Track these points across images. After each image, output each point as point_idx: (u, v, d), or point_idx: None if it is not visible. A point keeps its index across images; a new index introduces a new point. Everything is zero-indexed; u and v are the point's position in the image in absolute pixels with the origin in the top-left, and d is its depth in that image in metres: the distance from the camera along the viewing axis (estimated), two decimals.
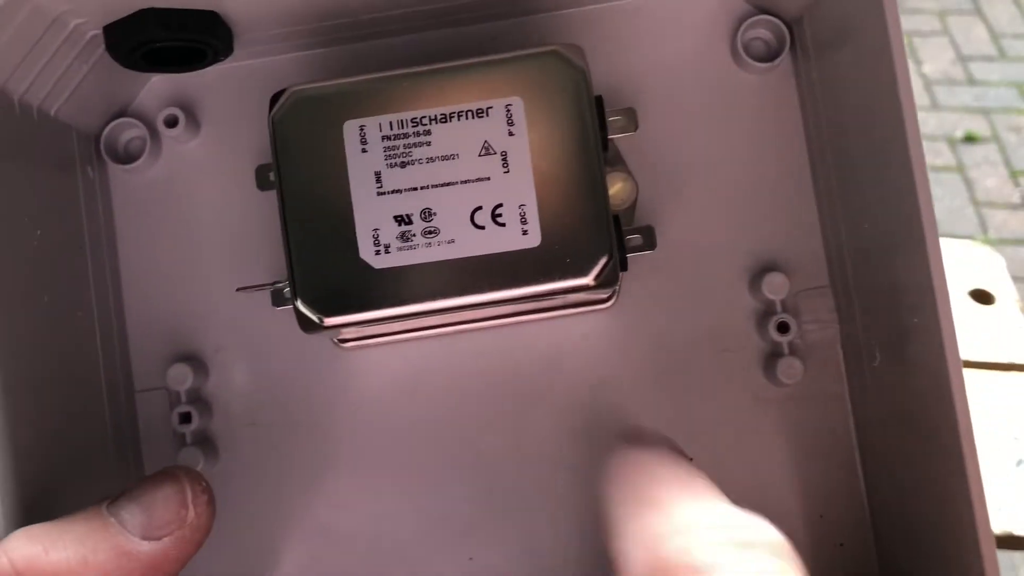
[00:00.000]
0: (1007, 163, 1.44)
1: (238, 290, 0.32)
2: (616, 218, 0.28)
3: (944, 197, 1.37)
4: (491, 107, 0.28)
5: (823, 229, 0.32)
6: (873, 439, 0.31)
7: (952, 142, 1.45)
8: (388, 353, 0.32)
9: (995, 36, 1.57)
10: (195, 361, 0.33)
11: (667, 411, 0.32)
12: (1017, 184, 1.41)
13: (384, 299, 0.27)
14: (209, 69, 0.32)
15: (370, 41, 0.33)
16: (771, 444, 0.32)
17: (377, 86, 0.28)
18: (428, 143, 0.28)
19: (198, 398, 0.33)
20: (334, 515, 0.32)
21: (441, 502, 0.32)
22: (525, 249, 0.27)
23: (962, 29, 1.59)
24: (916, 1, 1.62)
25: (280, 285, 0.30)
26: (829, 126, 0.30)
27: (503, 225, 0.27)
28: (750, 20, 0.32)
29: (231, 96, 0.33)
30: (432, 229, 0.27)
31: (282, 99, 0.28)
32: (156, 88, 0.33)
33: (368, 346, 0.32)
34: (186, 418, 0.32)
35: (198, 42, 0.29)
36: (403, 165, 0.28)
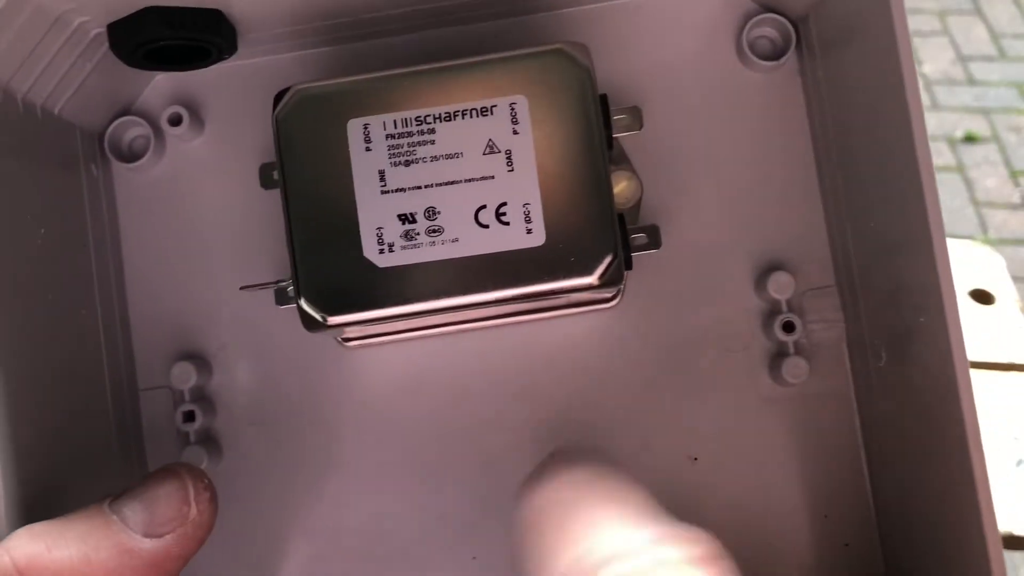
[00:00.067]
0: (1007, 163, 1.43)
1: (242, 289, 0.32)
2: (621, 217, 0.28)
3: (944, 197, 1.36)
4: (495, 105, 0.28)
5: (829, 228, 0.32)
6: (878, 439, 0.31)
7: (952, 142, 1.45)
8: (392, 352, 0.32)
9: (995, 36, 1.57)
10: (199, 360, 0.33)
11: (671, 410, 0.32)
12: (1017, 184, 1.41)
13: (388, 298, 0.27)
14: (213, 68, 0.31)
15: (374, 40, 0.33)
16: (776, 444, 0.32)
17: (381, 85, 0.28)
18: (432, 142, 0.28)
19: (202, 397, 0.33)
20: (337, 514, 0.32)
21: (444, 501, 0.32)
22: (529, 248, 0.27)
23: (962, 29, 1.58)
24: (916, 1, 1.61)
25: (284, 284, 0.30)
26: (835, 125, 0.30)
27: (507, 224, 0.27)
28: (756, 18, 0.32)
29: (235, 95, 0.33)
30: (436, 228, 0.27)
31: (286, 97, 0.28)
32: (160, 86, 0.33)
33: (372, 345, 0.32)
34: (190, 417, 0.32)
35: (202, 40, 0.29)
36: (407, 164, 0.28)
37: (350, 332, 0.30)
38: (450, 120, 0.28)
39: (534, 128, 0.27)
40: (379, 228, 0.27)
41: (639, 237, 0.30)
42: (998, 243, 1.33)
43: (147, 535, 0.24)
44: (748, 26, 0.32)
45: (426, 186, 0.27)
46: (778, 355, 0.32)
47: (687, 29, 0.32)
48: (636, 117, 0.30)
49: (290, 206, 0.27)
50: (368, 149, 0.28)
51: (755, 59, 0.32)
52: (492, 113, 0.28)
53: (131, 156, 0.33)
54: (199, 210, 0.33)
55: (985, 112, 1.48)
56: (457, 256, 0.27)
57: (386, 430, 0.32)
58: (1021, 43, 1.56)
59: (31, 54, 0.27)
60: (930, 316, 0.25)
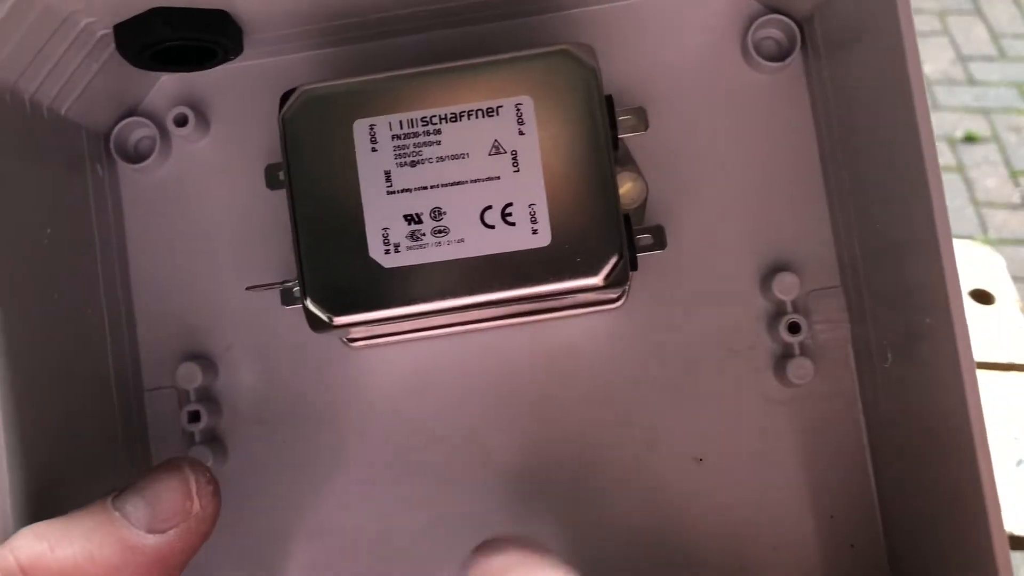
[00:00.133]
0: (1007, 163, 1.43)
1: (247, 289, 0.32)
2: (626, 217, 0.28)
3: None
4: (501, 106, 0.28)
5: (834, 229, 0.32)
6: (884, 440, 0.31)
7: (952, 142, 1.45)
8: (397, 352, 0.32)
9: (995, 36, 1.57)
10: (204, 360, 0.33)
11: (676, 411, 0.32)
12: (1017, 184, 1.41)
13: (393, 298, 0.27)
14: (219, 68, 0.31)
15: (380, 41, 0.33)
16: (781, 445, 0.32)
17: (387, 85, 0.28)
18: (438, 142, 0.28)
19: (207, 397, 0.33)
20: (343, 513, 0.32)
21: (450, 501, 0.32)
22: (535, 248, 0.27)
23: (962, 29, 1.58)
24: (916, 1, 1.61)
25: (289, 284, 0.30)
26: (840, 126, 0.30)
27: (513, 224, 0.27)
28: (761, 19, 0.32)
29: (241, 95, 0.33)
30: (442, 228, 0.27)
31: (292, 98, 0.28)
32: (166, 87, 0.33)
33: (377, 345, 0.32)
34: (195, 417, 0.32)
35: (208, 41, 0.29)
36: (413, 164, 0.28)
37: (356, 332, 0.30)
38: (456, 121, 0.28)
39: (540, 129, 0.27)
40: (385, 228, 0.27)
41: (644, 238, 0.30)
42: (998, 243, 1.33)
43: (150, 531, 0.24)
44: (753, 27, 0.32)
45: (432, 187, 0.27)
46: (783, 356, 0.32)
47: (692, 30, 0.32)
48: (641, 118, 0.30)
49: (296, 207, 0.27)
50: (374, 150, 0.28)
51: (760, 60, 0.32)
52: (498, 114, 0.28)
53: (137, 157, 0.33)
54: (205, 211, 0.33)
55: (985, 112, 1.48)
56: (463, 256, 0.27)
57: (391, 430, 0.32)
58: (1021, 43, 1.56)
59: (38, 55, 0.27)
60: (936, 317, 0.25)
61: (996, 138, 1.45)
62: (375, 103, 0.28)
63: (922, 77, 0.25)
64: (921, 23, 1.59)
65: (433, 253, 0.27)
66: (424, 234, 0.27)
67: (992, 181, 1.41)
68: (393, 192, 0.27)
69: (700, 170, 0.32)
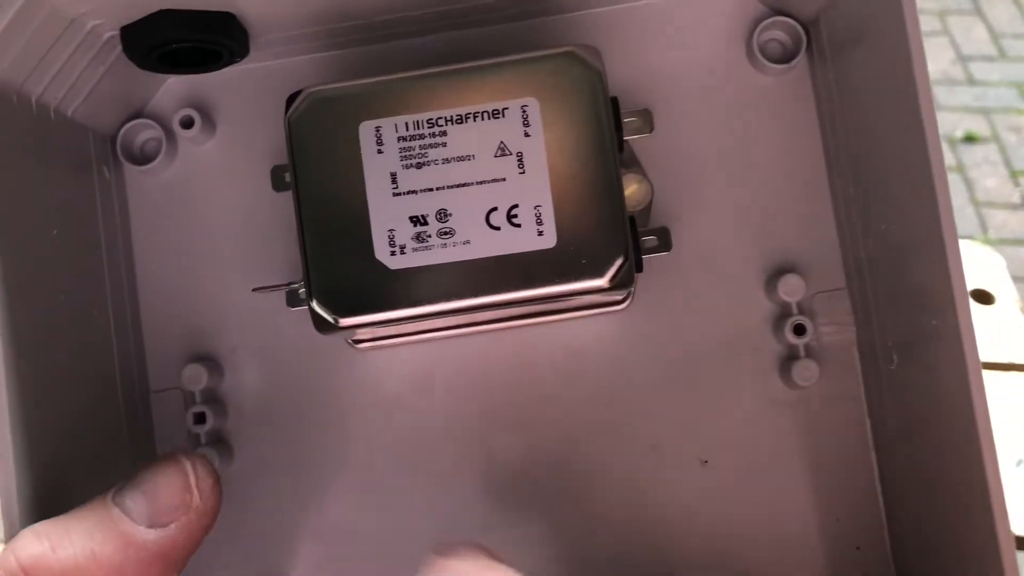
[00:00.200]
0: (1007, 163, 1.43)
1: (254, 291, 0.32)
2: (631, 219, 0.28)
3: None
4: (507, 108, 0.28)
5: (839, 231, 0.32)
6: (890, 442, 0.31)
7: (952, 142, 1.44)
8: (402, 354, 0.32)
9: (995, 36, 1.57)
10: (210, 361, 0.33)
11: (682, 413, 0.32)
12: (1017, 184, 1.41)
13: (399, 300, 0.27)
14: (225, 70, 0.32)
15: (386, 43, 0.33)
16: (787, 447, 0.32)
17: (393, 87, 0.28)
18: (444, 144, 0.28)
19: (213, 398, 0.33)
20: (348, 514, 0.32)
21: (455, 502, 0.32)
22: (540, 250, 0.27)
23: (962, 29, 1.58)
24: (916, 1, 1.60)
25: (295, 286, 0.30)
26: (845, 127, 0.30)
27: (519, 226, 0.27)
28: (766, 21, 0.32)
29: (247, 97, 0.33)
30: (448, 230, 0.27)
31: (298, 100, 0.28)
32: (172, 89, 0.33)
33: (383, 347, 0.32)
34: (201, 418, 0.32)
35: (214, 43, 0.29)
36: (419, 166, 0.28)
37: (361, 334, 0.30)
38: (461, 122, 0.28)
39: (545, 130, 0.27)
40: (391, 230, 0.27)
41: (650, 240, 0.30)
42: (998, 243, 1.33)
43: (151, 525, 0.24)
44: (758, 29, 0.32)
45: (437, 188, 0.27)
46: (789, 358, 0.32)
47: (698, 32, 0.32)
48: (647, 120, 0.30)
49: (302, 208, 0.28)
50: (380, 151, 0.28)
51: (765, 62, 0.32)
52: (503, 115, 0.28)
53: (143, 159, 0.33)
54: (211, 212, 0.33)
55: (985, 112, 1.48)
56: (468, 258, 0.27)
57: (397, 431, 0.32)
58: (1021, 43, 1.56)
59: (45, 57, 0.27)
60: (942, 319, 0.25)
61: (996, 138, 1.45)
62: (381, 105, 0.28)
63: (928, 79, 0.25)
64: (921, 23, 1.59)
65: (439, 255, 0.27)
66: (430, 235, 0.27)
67: (992, 181, 1.41)
68: (399, 194, 0.27)
69: (705, 172, 0.32)
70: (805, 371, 0.31)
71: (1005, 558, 0.24)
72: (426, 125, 0.28)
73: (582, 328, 0.32)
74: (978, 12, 1.60)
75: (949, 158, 1.43)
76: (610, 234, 0.27)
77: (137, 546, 0.24)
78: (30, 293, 0.27)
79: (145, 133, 0.33)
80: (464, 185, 0.27)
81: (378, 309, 0.27)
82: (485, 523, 0.32)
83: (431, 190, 0.27)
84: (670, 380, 0.32)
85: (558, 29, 0.32)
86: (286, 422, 0.33)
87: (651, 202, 0.32)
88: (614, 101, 0.28)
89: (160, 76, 0.32)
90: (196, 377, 0.32)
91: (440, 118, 0.28)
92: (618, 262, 0.27)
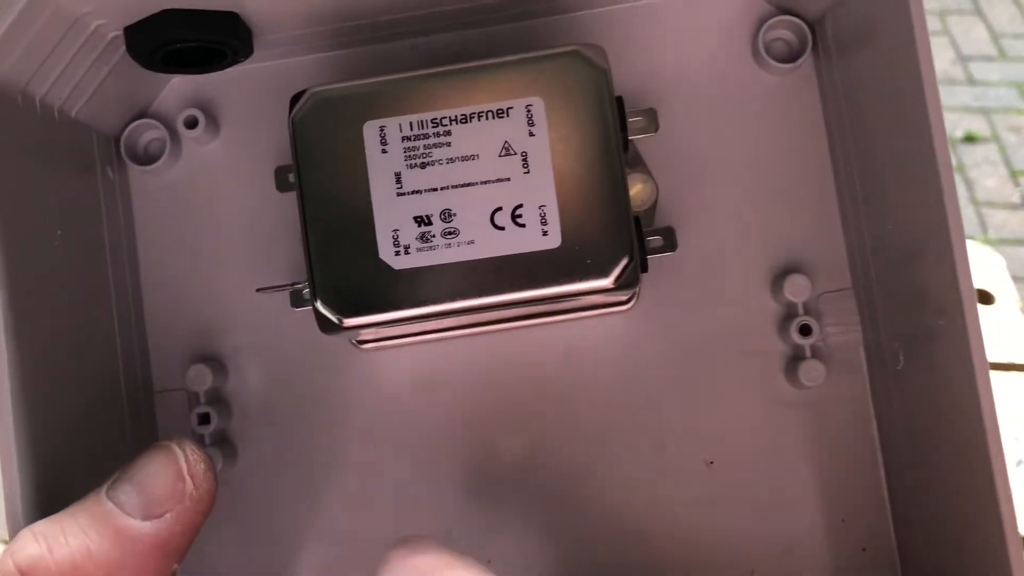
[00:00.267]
0: (1007, 163, 1.42)
1: (258, 291, 0.32)
2: (636, 219, 0.28)
3: None
4: (511, 107, 0.28)
5: (845, 231, 0.32)
6: (896, 442, 0.31)
7: (952, 142, 1.44)
8: (407, 354, 0.32)
9: (995, 36, 1.56)
10: (214, 362, 0.33)
11: (687, 414, 0.32)
12: (1017, 184, 1.40)
13: (403, 300, 0.27)
14: (229, 70, 0.32)
15: (390, 42, 0.33)
16: (792, 447, 0.32)
17: (397, 87, 0.28)
18: (448, 144, 0.28)
19: (217, 399, 0.33)
20: (352, 515, 0.32)
21: (459, 503, 0.32)
22: (545, 250, 0.27)
23: (962, 29, 1.58)
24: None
25: (299, 286, 0.30)
26: (851, 127, 0.30)
27: (523, 226, 0.27)
28: (771, 20, 0.32)
29: (251, 97, 0.33)
30: (452, 230, 0.27)
31: (302, 100, 0.28)
32: (176, 89, 0.33)
33: (387, 347, 0.32)
34: (205, 419, 0.32)
35: (218, 43, 0.29)
36: (423, 166, 0.28)
37: (365, 334, 0.30)
38: (466, 122, 0.28)
39: (550, 130, 0.27)
40: (395, 230, 0.27)
41: (655, 240, 0.30)
42: (998, 243, 1.33)
43: (146, 517, 0.24)
44: (764, 28, 0.32)
45: (442, 188, 0.27)
46: (794, 358, 0.31)
47: (703, 31, 0.32)
48: (652, 119, 0.30)
49: (306, 208, 0.27)
50: (384, 151, 0.28)
51: (771, 61, 0.32)
52: (508, 115, 0.28)
53: (147, 159, 0.33)
54: (215, 213, 0.33)
55: (985, 112, 1.48)
56: (473, 258, 0.27)
57: (401, 432, 0.32)
58: (1021, 43, 1.55)
59: (49, 57, 0.27)
60: (949, 318, 0.25)
61: (996, 138, 1.45)
62: (385, 105, 0.28)
63: (935, 77, 0.24)
64: None
65: (443, 255, 0.27)
66: (434, 235, 0.27)
67: (992, 181, 1.41)
68: (403, 194, 0.27)
69: (710, 172, 0.32)
70: (811, 372, 0.31)
71: (1013, 559, 0.24)
72: (430, 125, 0.28)
73: (587, 328, 0.32)
74: (978, 12, 1.60)
75: None
76: (615, 234, 0.27)
77: (133, 539, 0.23)
78: (34, 293, 0.27)
79: (149, 133, 0.33)
80: (468, 185, 0.27)
81: (382, 309, 0.27)
82: (489, 523, 0.32)
83: (435, 190, 0.27)
84: (675, 381, 0.32)
85: (562, 28, 0.32)
86: (290, 422, 0.33)
87: (656, 202, 0.32)
88: (619, 100, 0.28)
89: (164, 76, 0.32)
90: (200, 377, 0.32)
91: (444, 118, 0.28)
92: (623, 262, 0.27)
